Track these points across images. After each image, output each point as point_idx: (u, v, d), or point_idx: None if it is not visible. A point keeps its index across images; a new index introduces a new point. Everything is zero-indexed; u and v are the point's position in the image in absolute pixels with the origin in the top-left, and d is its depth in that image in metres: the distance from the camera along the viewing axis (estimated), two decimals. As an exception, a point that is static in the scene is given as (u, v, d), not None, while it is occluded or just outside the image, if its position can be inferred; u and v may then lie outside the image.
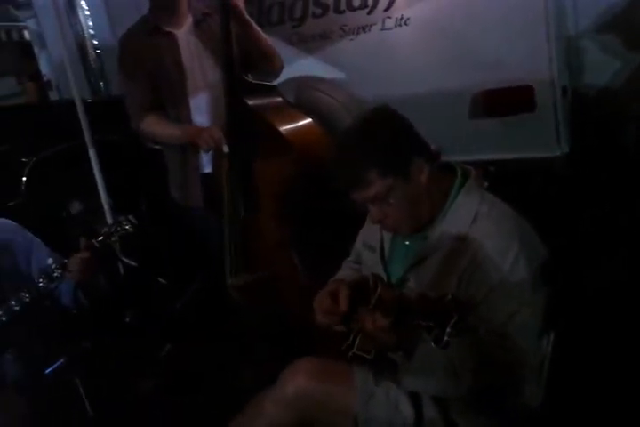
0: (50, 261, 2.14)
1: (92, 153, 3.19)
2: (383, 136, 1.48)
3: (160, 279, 3.07)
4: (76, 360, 2.36)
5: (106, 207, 3.18)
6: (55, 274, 2.10)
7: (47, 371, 2.18)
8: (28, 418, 2.01)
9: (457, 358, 1.38)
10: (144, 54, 2.45)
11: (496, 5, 2.80)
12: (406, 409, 1.50)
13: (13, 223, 2.32)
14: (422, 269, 1.53)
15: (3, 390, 1.99)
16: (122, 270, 2.99)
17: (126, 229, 2.14)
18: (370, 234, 1.71)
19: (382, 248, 1.65)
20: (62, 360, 2.28)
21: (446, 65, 2.92)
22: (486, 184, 2.44)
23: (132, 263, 2.96)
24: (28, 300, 2.09)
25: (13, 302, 2.09)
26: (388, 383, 1.53)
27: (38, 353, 2.15)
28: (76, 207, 3.66)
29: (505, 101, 2.78)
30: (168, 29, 2.45)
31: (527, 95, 2.72)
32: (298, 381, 1.55)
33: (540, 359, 1.50)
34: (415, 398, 1.50)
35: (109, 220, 3.11)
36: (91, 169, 3.37)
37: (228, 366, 2.44)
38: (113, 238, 2.14)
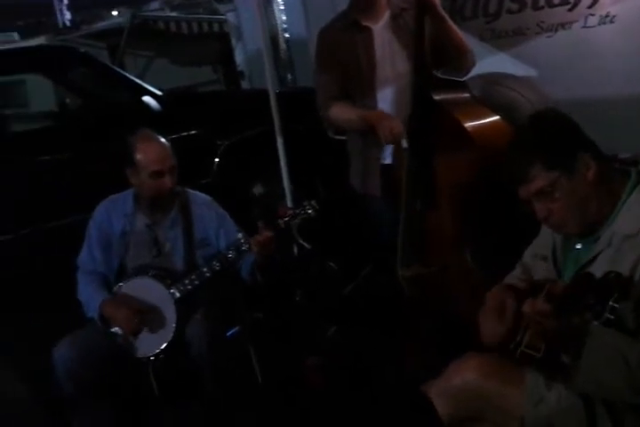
0: (240, 235, 2.34)
1: (279, 140, 3.39)
2: (548, 130, 1.53)
3: (331, 264, 3.21)
4: (250, 329, 2.56)
5: (287, 192, 3.37)
6: (243, 248, 2.30)
7: (228, 334, 2.40)
8: (203, 377, 2.24)
9: (632, 356, 1.30)
10: (340, 47, 2.56)
11: None
12: (578, 415, 1.45)
13: (209, 198, 2.57)
14: (592, 270, 1.48)
15: (189, 348, 2.22)
16: (296, 251, 3.16)
17: (309, 214, 2.29)
18: (542, 244, 1.70)
19: (555, 255, 1.64)
20: (237, 327, 2.50)
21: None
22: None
23: (307, 246, 3.11)
24: (218, 268, 2.31)
25: (205, 269, 2.32)
26: (559, 387, 1.49)
27: (221, 317, 2.36)
28: (259, 190, 3.93)
29: None
30: (366, 24, 2.54)
31: None
32: (465, 374, 1.55)
33: None
34: (588, 403, 1.45)
35: (290, 204, 3.29)
36: (275, 155, 3.59)
37: (389, 353, 2.49)
38: (296, 221, 2.30)
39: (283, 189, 3.52)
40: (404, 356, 2.40)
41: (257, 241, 2.24)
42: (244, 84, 6.17)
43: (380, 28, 2.54)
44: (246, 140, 4.23)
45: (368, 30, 2.54)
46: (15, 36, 8.88)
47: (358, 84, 2.56)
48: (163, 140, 2.40)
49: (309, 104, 4.67)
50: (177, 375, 2.32)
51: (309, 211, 2.28)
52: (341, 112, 2.56)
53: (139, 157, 2.33)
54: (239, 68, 6.26)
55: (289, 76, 5.73)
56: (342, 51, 2.56)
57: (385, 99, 2.53)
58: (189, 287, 2.30)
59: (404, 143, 2.33)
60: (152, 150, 2.34)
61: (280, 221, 2.27)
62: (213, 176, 3.95)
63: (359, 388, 2.40)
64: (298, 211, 2.29)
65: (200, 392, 2.26)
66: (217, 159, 4.09)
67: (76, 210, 3.12)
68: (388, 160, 2.53)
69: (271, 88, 3.46)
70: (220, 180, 3.92)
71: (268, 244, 2.25)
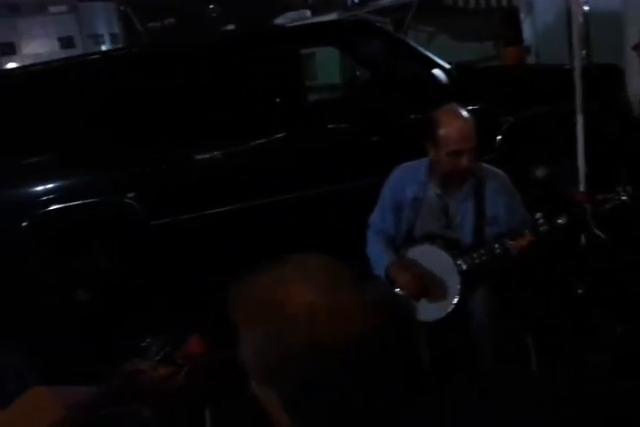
0: (538, 215, 2.23)
1: (579, 120, 3.14)
2: None
3: (629, 258, 2.91)
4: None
5: (582, 176, 3.12)
6: (541, 229, 2.19)
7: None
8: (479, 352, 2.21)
9: None
10: None
11: None
12: None
13: (504, 175, 2.48)
14: None
15: (471, 321, 2.20)
16: (583, 240, 2.93)
17: (623, 200, 2.08)
18: None
19: None
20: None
21: None
22: None
23: (601, 235, 2.86)
24: (509, 246, 2.23)
25: (496, 246, 2.26)
26: None
27: (503, 295, 2.30)
28: (542, 172, 3.72)
29: None
30: None
31: None
32: None
33: None
34: None
35: (583, 188, 3.05)
36: (562, 136, 3.34)
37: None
38: (607, 206, 2.11)
39: (570, 172, 3.28)
40: None
41: (519, 245, 2.19)
42: (529, 60, 5.88)
43: None
44: (532, 119, 4.03)
45: None
46: (307, 13, 9.58)
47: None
48: (468, 117, 2.33)
49: (605, 82, 4.29)
50: (450, 348, 2.32)
51: (624, 197, 2.08)
52: None
53: (441, 132, 2.29)
54: (526, 44, 5.97)
55: (583, 52, 5.30)
56: None
57: None
58: (477, 261, 2.27)
59: None
60: (456, 128, 2.29)
61: (586, 206, 2.12)
62: (495, 153, 3.84)
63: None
64: (610, 196, 2.10)
65: (472, 369, 2.23)
66: (499, 136, 3.97)
67: (369, 173, 3.30)
68: None
69: (578, 64, 3.22)
70: (501, 157, 3.79)
71: (527, 249, 2.17)
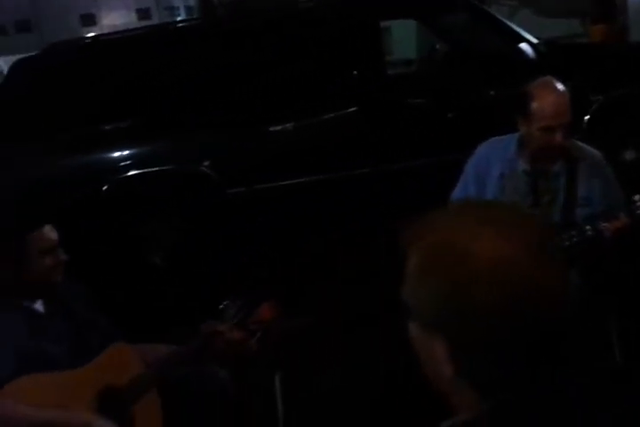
0: (637, 197, 2.11)
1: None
2: None
3: None
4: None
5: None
6: (638, 212, 2.08)
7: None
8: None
9: None
10: None
11: None
12: None
13: (600, 154, 2.35)
14: None
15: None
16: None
17: None
18: None
19: None
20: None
21: None
22: None
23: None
24: (602, 228, 2.13)
25: (588, 227, 2.15)
26: None
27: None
28: (631, 155, 3.53)
29: None
30: None
31: None
32: None
33: None
34: None
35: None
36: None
37: None
38: None
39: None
40: None
41: (613, 227, 2.07)
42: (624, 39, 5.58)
43: None
44: (623, 98, 3.82)
45: None
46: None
47: None
48: (564, 90, 2.21)
49: None
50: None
51: None
52: None
53: (534, 106, 2.17)
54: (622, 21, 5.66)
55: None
56: None
57: None
58: (566, 243, 2.16)
59: None
60: (550, 103, 2.16)
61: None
62: (582, 134, 3.66)
63: None
64: None
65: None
66: (588, 116, 3.78)
67: (446, 150, 3.21)
68: None
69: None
70: (588, 138, 3.61)
71: (622, 233, 2.06)
